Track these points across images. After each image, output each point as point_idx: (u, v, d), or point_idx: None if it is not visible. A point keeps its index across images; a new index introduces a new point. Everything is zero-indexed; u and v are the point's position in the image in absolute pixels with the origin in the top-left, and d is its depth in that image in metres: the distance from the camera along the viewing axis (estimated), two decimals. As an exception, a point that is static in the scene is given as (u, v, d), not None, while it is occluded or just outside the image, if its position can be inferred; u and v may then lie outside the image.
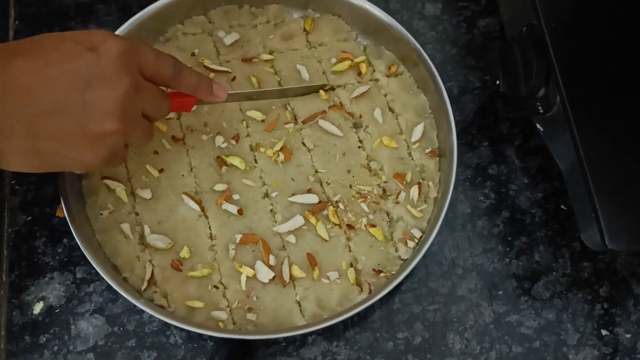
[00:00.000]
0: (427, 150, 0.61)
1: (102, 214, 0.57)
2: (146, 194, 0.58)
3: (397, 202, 0.59)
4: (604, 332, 0.58)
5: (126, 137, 0.46)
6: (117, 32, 0.61)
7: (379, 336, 0.57)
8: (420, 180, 0.60)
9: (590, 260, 0.60)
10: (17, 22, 0.68)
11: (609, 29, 0.55)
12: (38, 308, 0.57)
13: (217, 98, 0.53)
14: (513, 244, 0.61)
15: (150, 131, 0.49)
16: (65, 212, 0.54)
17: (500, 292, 0.59)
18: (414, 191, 0.59)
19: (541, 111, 0.58)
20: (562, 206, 0.62)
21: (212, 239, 0.57)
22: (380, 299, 0.53)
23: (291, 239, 0.57)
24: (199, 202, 0.57)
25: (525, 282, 0.59)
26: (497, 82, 0.58)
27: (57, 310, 0.57)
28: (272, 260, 0.56)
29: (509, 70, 0.58)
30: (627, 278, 0.60)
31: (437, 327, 0.57)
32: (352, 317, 0.55)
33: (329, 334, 0.57)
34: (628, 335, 0.58)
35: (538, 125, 0.60)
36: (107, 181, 0.57)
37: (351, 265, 0.56)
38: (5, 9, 0.68)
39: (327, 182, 0.59)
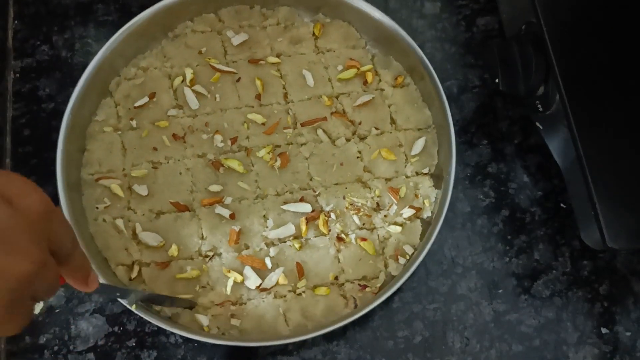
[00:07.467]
0: (424, 170, 0.60)
1: (97, 207, 0.57)
2: (142, 190, 0.58)
3: (388, 217, 0.58)
4: (603, 330, 0.58)
5: None
6: (128, 25, 0.61)
7: (379, 335, 0.57)
8: (416, 197, 0.59)
9: (590, 259, 0.60)
10: (16, 21, 0.68)
11: (608, 26, 0.55)
12: (38, 308, 0.57)
13: (86, 289, 0.42)
14: (513, 243, 0.61)
15: (29, 315, 0.37)
16: (61, 202, 0.54)
17: (500, 291, 0.59)
18: (408, 208, 0.58)
19: (540, 109, 0.58)
20: (562, 204, 0.62)
21: (202, 240, 0.57)
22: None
23: (281, 246, 0.57)
24: (190, 204, 0.58)
25: (525, 280, 0.59)
26: (497, 80, 0.58)
27: (57, 310, 0.57)
28: None
29: (508, 68, 0.58)
30: (626, 276, 0.60)
31: (437, 325, 0.57)
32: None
33: (329, 333, 0.57)
34: (628, 334, 0.58)
35: (537, 124, 0.60)
36: (102, 181, 0.58)
37: (337, 278, 0.56)
38: (4, 9, 0.68)
39: (321, 191, 0.59)
